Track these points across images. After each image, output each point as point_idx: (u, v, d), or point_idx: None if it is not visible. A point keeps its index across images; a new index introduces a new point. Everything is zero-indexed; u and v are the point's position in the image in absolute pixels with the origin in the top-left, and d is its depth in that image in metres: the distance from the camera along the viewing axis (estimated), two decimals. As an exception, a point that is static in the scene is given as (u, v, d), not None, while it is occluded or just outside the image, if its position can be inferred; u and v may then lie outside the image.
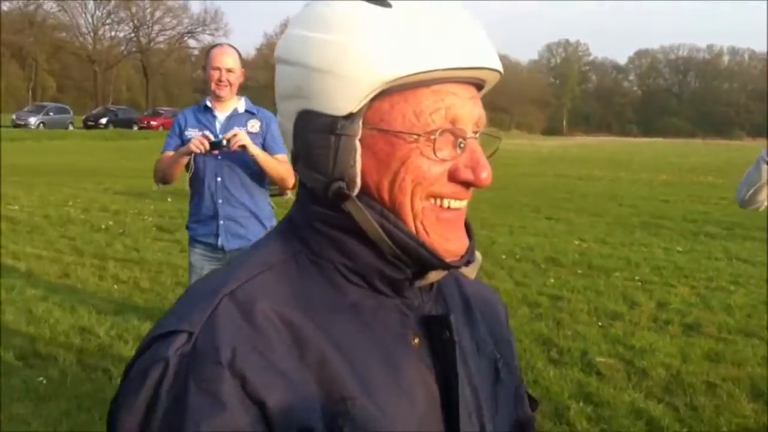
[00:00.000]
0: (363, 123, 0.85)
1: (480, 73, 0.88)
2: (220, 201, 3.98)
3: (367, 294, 0.90)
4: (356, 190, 0.87)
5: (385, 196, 0.87)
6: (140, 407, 0.79)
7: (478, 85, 0.91)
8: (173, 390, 0.78)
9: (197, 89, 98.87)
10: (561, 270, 8.71)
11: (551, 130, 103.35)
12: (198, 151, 3.80)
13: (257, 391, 0.78)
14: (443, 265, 0.89)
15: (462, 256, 0.91)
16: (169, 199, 13.29)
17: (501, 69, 0.90)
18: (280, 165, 3.98)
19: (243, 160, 3.96)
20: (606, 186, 20.38)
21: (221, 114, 4.06)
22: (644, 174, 25.30)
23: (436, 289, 0.98)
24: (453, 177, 0.87)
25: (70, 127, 46.46)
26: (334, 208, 0.88)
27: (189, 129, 4.03)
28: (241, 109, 4.09)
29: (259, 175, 4.05)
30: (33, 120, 44.84)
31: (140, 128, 47.95)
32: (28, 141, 33.90)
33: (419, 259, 0.87)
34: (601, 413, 4.50)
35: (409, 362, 0.90)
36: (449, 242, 0.89)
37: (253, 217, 4.07)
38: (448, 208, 0.88)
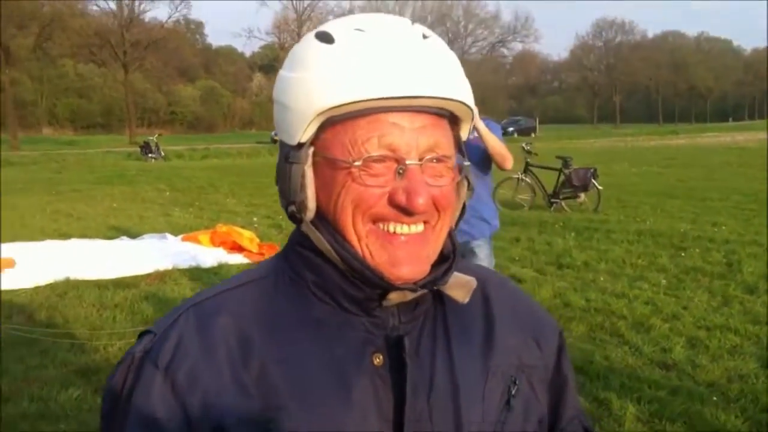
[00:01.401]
0: (315, 152, 0.92)
1: (426, 103, 0.89)
2: None
3: (334, 312, 0.96)
4: (309, 214, 0.94)
5: (333, 219, 0.93)
6: (113, 392, 0.96)
7: (443, 116, 0.93)
8: (131, 381, 0.94)
9: (512, 96, 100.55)
10: None
11: None
12: None
13: (182, 391, 0.91)
14: (390, 287, 0.92)
15: (417, 281, 0.93)
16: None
17: (453, 97, 0.91)
18: (500, 143, 4.50)
19: (470, 161, 4.30)
20: None
21: None
22: None
23: (433, 312, 1.01)
24: (391, 201, 0.90)
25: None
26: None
27: None
28: None
29: (484, 175, 4.59)
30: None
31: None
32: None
33: (367, 279, 0.92)
34: None
35: (361, 380, 0.93)
36: (395, 267, 0.91)
37: (477, 216, 4.52)
38: (395, 233, 0.91)
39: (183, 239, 10.18)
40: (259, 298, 0.98)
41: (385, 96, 0.87)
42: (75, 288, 7.57)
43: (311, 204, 0.93)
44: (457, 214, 1.00)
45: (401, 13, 79.94)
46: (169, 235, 10.55)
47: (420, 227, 0.92)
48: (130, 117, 59.65)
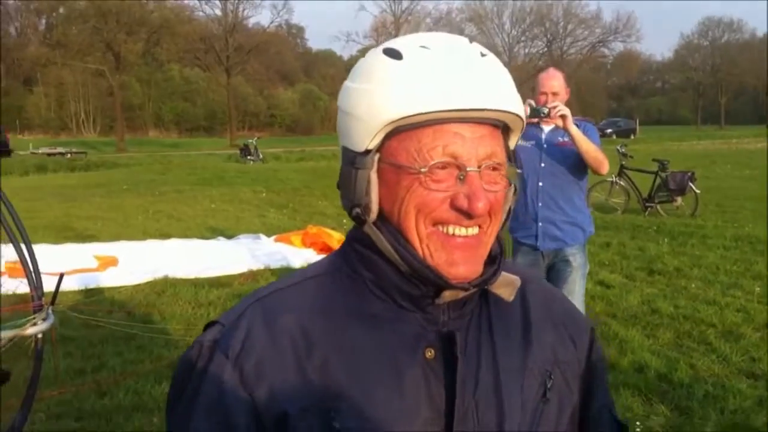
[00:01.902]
0: (381, 158, 1.00)
1: (485, 115, 0.97)
2: (539, 204, 4.29)
3: (389, 307, 1.03)
4: (373, 216, 1.01)
5: (396, 221, 1.00)
6: (181, 379, 1.04)
7: (498, 126, 1.01)
8: (200, 369, 1.02)
9: (612, 96, 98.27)
10: None
11: None
12: None
13: (250, 381, 0.98)
14: (447, 284, 0.99)
15: (471, 281, 1.00)
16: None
17: (510, 110, 0.99)
18: (594, 147, 4.24)
19: (564, 166, 4.30)
20: None
21: (546, 127, 4.42)
22: None
23: (479, 310, 1.08)
24: (453, 205, 0.97)
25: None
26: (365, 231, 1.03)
27: (519, 141, 4.34)
28: None
29: (578, 180, 4.38)
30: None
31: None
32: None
33: (426, 278, 0.99)
34: None
35: (414, 372, 1.00)
36: (453, 267, 0.98)
37: (570, 222, 4.37)
38: (453, 235, 0.98)
39: (276, 240, 10.48)
40: (319, 293, 1.05)
41: (451, 108, 0.95)
42: (173, 286, 7.90)
43: (375, 207, 1.00)
44: (504, 217, 1.06)
45: (499, 15, 79.54)
46: (262, 236, 10.89)
47: (475, 230, 0.99)
48: (231, 120, 61.33)
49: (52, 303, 3.90)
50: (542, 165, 4.32)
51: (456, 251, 0.99)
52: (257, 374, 0.98)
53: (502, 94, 0.98)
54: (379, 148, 1.00)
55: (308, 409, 0.97)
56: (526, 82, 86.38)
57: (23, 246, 3.78)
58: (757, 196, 15.67)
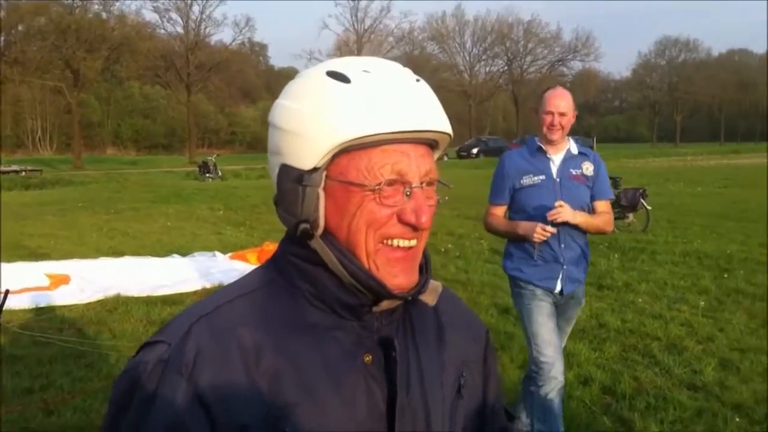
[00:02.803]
0: (327, 175, 1.05)
1: (425, 135, 1.06)
2: (562, 246, 3.92)
3: (327, 317, 1.09)
4: (320, 231, 1.06)
5: (344, 236, 1.06)
6: (122, 400, 1.03)
7: (431, 144, 1.09)
8: (149, 389, 1.01)
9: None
10: None
11: None
12: (540, 240, 3.83)
13: (207, 397, 1.00)
14: (390, 295, 1.06)
15: (410, 290, 1.09)
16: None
17: (447, 131, 1.08)
18: (598, 220, 3.95)
19: (581, 202, 3.94)
20: None
21: (556, 156, 3.99)
22: None
23: (403, 315, 1.17)
24: (400, 219, 1.04)
25: (445, 158, 49.84)
26: (303, 244, 1.08)
27: (525, 177, 3.98)
28: (574, 150, 4.03)
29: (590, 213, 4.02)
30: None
31: (509, 156, 49.71)
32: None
33: (370, 289, 1.06)
34: None
35: (354, 376, 1.07)
36: (396, 278, 1.06)
37: (584, 259, 4.07)
38: (397, 247, 1.06)
39: (231, 257, 10.46)
40: (259, 307, 1.09)
41: (401, 130, 1.02)
42: (124, 304, 7.86)
43: (323, 222, 1.06)
44: None
45: (461, 34, 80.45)
46: (218, 253, 10.85)
47: (414, 242, 1.07)
48: (191, 137, 60.88)
49: (-4, 319, 3.89)
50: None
51: (399, 263, 1.06)
52: (213, 391, 1.00)
53: (439, 116, 1.07)
54: (326, 166, 1.05)
55: (263, 420, 1.00)
56: (487, 100, 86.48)
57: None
58: (707, 212, 16.05)
